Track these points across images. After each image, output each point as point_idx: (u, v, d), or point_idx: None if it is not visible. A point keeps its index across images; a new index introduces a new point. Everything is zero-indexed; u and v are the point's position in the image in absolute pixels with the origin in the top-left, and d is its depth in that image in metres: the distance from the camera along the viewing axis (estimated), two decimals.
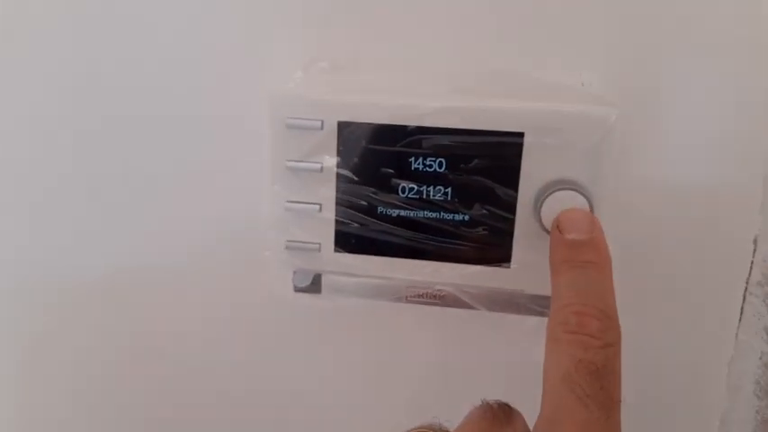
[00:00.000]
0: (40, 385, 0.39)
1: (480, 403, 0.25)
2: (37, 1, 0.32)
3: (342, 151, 0.29)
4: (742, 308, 0.32)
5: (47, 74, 0.33)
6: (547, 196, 0.27)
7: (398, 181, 0.29)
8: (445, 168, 0.28)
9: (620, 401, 0.22)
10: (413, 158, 0.29)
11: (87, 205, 0.34)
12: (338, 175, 0.29)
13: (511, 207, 0.28)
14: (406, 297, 0.30)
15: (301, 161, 0.29)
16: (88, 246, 0.35)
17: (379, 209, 0.29)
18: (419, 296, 0.30)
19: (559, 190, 0.27)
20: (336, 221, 0.30)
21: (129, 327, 0.37)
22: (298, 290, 0.31)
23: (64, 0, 0.32)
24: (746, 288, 0.32)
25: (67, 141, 0.34)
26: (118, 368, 0.38)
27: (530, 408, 0.23)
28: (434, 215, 0.29)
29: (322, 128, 0.29)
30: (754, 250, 0.31)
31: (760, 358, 0.33)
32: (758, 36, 0.28)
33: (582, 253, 0.25)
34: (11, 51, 0.33)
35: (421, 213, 0.29)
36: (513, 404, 0.25)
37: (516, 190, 0.28)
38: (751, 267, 0.32)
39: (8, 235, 0.36)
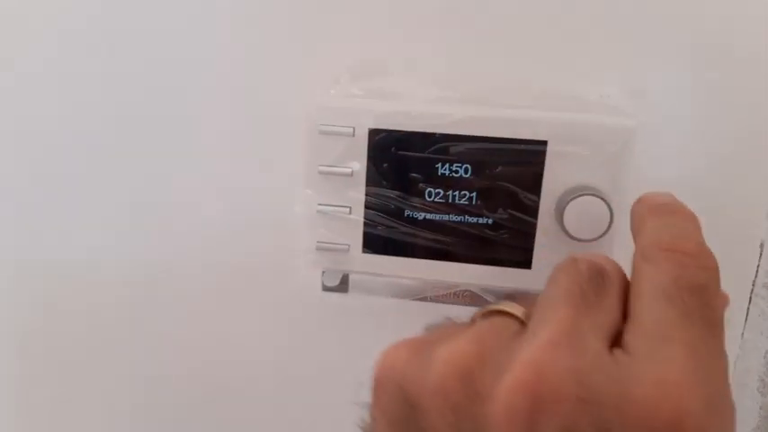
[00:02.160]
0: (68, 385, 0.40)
1: (569, 260, 0.22)
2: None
3: (372, 157, 0.30)
4: (748, 308, 0.34)
5: (65, 79, 0.34)
6: (568, 201, 0.28)
7: (425, 186, 0.30)
8: (470, 174, 0.30)
9: (723, 319, 0.20)
10: (440, 164, 0.30)
11: (115, 202, 0.36)
12: (368, 180, 0.30)
13: (533, 211, 0.30)
14: (431, 296, 0.32)
15: (333, 166, 0.30)
16: (114, 243, 0.36)
17: (407, 212, 0.31)
18: (443, 296, 0.32)
19: (580, 195, 0.28)
20: (365, 224, 0.31)
21: (152, 323, 0.38)
22: (326, 289, 0.32)
23: (101, 19, 0.33)
24: (752, 290, 0.34)
25: (100, 139, 0.35)
26: (141, 365, 0.39)
27: None
28: (459, 219, 0.30)
29: (353, 134, 0.30)
30: (761, 254, 0.33)
31: (764, 356, 0.34)
32: None
33: (669, 207, 0.23)
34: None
35: (446, 217, 0.30)
36: None
37: (539, 195, 0.30)
38: (757, 270, 0.33)
39: (9, 230, 0.37)
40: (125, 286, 0.37)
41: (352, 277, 0.32)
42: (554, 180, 0.29)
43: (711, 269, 0.20)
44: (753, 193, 0.32)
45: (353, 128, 0.30)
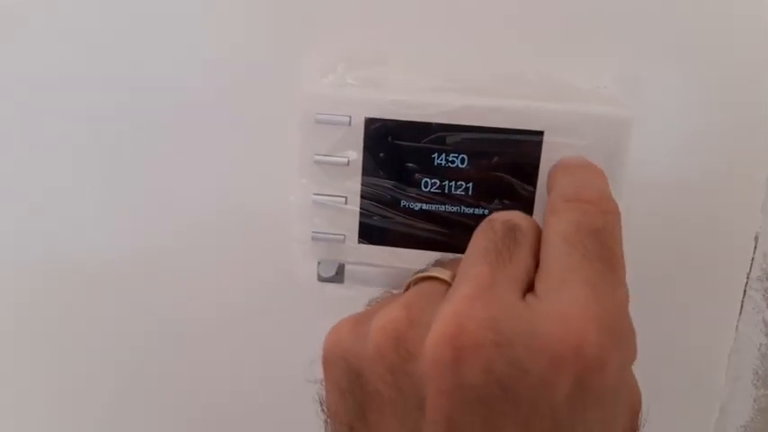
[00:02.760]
0: (63, 375, 0.40)
1: (486, 221, 0.24)
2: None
3: (368, 146, 0.30)
4: (742, 302, 0.34)
5: (67, 67, 0.34)
6: None
7: (421, 176, 0.30)
8: (467, 164, 0.30)
9: (623, 258, 0.22)
10: (436, 154, 0.30)
11: (112, 193, 0.35)
12: (364, 170, 0.30)
13: (529, 202, 0.30)
14: None
15: (329, 155, 0.30)
16: (110, 232, 0.36)
17: (403, 202, 0.30)
18: None
19: None
20: (361, 214, 0.31)
21: (152, 313, 0.37)
22: (322, 279, 0.32)
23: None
24: (747, 283, 0.34)
25: (87, 133, 0.35)
26: (139, 356, 0.39)
27: None
28: (455, 209, 0.30)
29: (350, 124, 0.30)
30: (755, 247, 0.33)
31: (758, 349, 0.35)
32: (763, 38, 0.30)
33: (577, 163, 0.27)
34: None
35: (442, 207, 0.30)
36: None
37: (535, 186, 0.29)
38: (751, 263, 0.33)
39: (7, 221, 0.37)
40: (118, 278, 0.37)
41: (347, 268, 0.32)
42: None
43: (610, 212, 0.23)
44: (748, 187, 0.32)
45: (350, 117, 0.30)
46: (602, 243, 0.22)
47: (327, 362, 0.24)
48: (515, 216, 0.24)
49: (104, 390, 0.40)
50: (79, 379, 0.40)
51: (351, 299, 0.33)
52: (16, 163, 0.36)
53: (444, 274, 0.24)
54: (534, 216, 0.30)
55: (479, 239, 0.24)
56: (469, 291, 0.21)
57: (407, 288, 0.25)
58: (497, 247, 0.23)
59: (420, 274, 0.25)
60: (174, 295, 0.37)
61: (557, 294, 0.21)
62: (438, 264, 0.27)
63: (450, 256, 0.30)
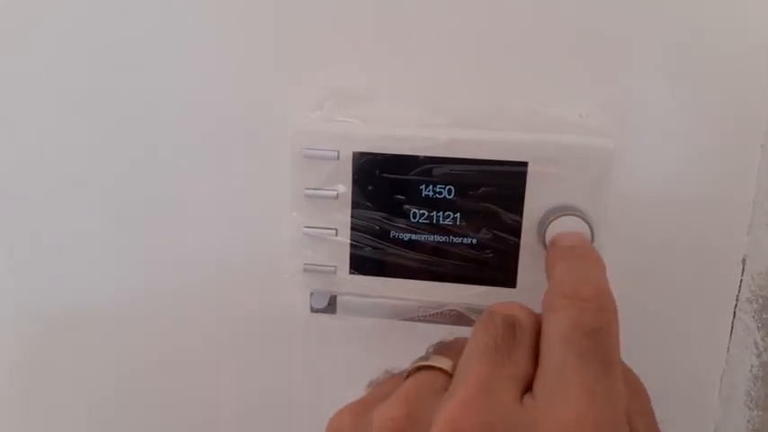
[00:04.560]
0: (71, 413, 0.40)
1: (486, 314, 0.24)
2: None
3: (356, 180, 0.31)
4: (732, 323, 0.34)
5: (65, 96, 0.34)
6: (550, 221, 0.29)
7: (410, 207, 0.31)
8: (454, 195, 0.30)
9: (619, 355, 0.22)
10: (423, 186, 0.30)
11: (111, 228, 0.36)
12: (353, 202, 0.31)
13: (516, 231, 0.30)
14: (418, 317, 0.32)
15: (318, 189, 0.31)
16: (105, 269, 0.37)
17: (392, 233, 0.31)
18: (430, 316, 0.32)
19: (562, 215, 0.29)
20: (351, 245, 0.31)
21: (146, 347, 0.38)
22: (314, 311, 0.33)
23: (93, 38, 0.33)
24: (736, 305, 0.34)
25: (87, 164, 0.35)
26: (131, 388, 0.39)
27: None
28: (444, 239, 0.31)
29: (338, 158, 0.30)
30: (743, 269, 0.33)
31: (750, 371, 0.35)
32: (747, 62, 0.30)
33: (576, 251, 0.27)
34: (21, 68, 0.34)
35: (431, 237, 0.31)
36: None
37: (521, 215, 0.30)
38: (740, 285, 0.34)
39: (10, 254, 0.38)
40: (110, 314, 0.37)
41: (339, 298, 0.33)
42: (535, 200, 0.30)
43: (607, 309, 0.23)
44: (735, 209, 0.33)
45: (338, 151, 0.30)
46: (599, 343, 0.22)
47: None
48: (516, 310, 0.24)
49: (100, 422, 0.40)
50: (77, 417, 0.40)
51: (344, 329, 0.33)
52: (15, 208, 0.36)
53: (445, 363, 0.24)
54: (521, 261, 0.30)
55: (480, 333, 0.24)
56: (467, 393, 0.21)
57: (408, 375, 0.25)
58: (497, 343, 0.23)
59: (420, 363, 0.25)
60: (166, 328, 0.37)
61: (553, 398, 0.21)
62: (439, 349, 0.27)
63: (452, 330, 0.30)
